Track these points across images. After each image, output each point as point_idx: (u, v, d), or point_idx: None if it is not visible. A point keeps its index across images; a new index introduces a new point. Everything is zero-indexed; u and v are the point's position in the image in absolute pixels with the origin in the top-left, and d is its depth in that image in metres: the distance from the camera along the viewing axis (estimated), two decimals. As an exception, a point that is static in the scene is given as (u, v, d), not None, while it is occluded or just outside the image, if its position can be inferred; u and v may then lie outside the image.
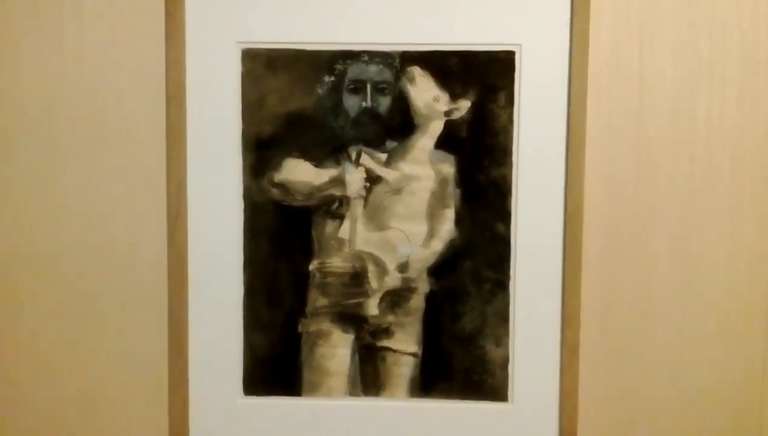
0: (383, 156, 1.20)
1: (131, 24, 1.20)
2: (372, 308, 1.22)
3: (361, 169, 1.20)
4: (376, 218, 1.21)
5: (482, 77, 1.18)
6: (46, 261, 1.24)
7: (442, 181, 1.20)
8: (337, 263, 1.21)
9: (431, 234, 1.20)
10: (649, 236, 1.21)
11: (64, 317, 1.24)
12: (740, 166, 1.20)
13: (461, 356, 1.21)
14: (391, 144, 1.20)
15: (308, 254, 1.21)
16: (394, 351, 1.22)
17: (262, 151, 1.20)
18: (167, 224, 1.20)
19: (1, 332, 1.25)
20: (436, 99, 1.18)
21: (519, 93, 1.18)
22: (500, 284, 1.20)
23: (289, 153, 1.20)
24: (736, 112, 1.19)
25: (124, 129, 1.22)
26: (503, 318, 1.21)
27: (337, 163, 1.20)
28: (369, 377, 1.22)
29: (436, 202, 1.20)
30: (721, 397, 1.23)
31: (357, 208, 1.20)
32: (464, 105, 1.18)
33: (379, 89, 1.19)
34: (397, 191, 1.20)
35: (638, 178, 1.20)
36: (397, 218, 1.20)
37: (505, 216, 1.20)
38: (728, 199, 1.20)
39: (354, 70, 1.18)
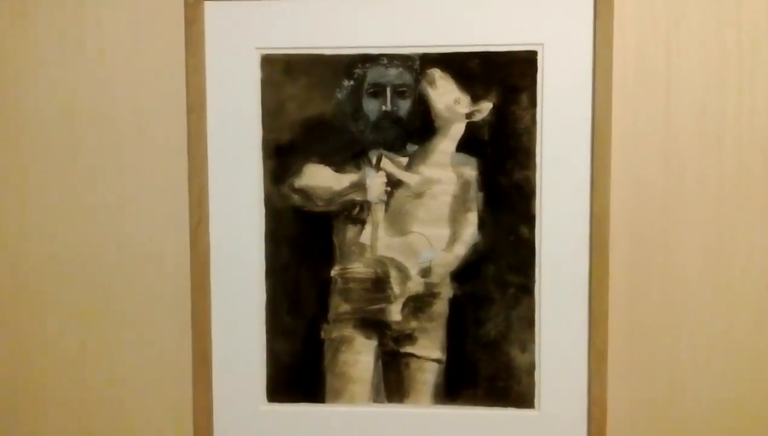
0: (404, 160, 1.18)
1: (151, 32, 1.21)
2: (395, 313, 1.20)
3: (382, 173, 1.19)
4: (398, 223, 1.19)
5: (504, 78, 1.16)
6: (69, 271, 1.25)
7: (465, 185, 1.18)
8: (359, 268, 1.20)
9: (454, 238, 1.19)
10: (678, 237, 1.18)
11: (87, 324, 1.25)
12: (773, 164, 1.16)
13: (486, 362, 1.19)
14: (411, 148, 1.18)
15: (330, 260, 1.20)
16: (418, 357, 1.20)
17: (282, 157, 1.19)
18: (189, 231, 1.20)
19: (26, 339, 1.26)
20: (457, 101, 1.17)
21: (542, 94, 1.16)
22: (525, 289, 1.18)
23: (309, 158, 1.19)
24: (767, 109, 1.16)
25: (146, 137, 1.22)
26: (529, 323, 1.18)
27: (358, 167, 1.19)
28: (392, 383, 1.21)
29: (459, 205, 1.18)
30: (756, 404, 1.19)
31: (378, 212, 1.19)
32: (486, 107, 1.17)
33: (399, 92, 1.17)
34: (419, 195, 1.19)
35: (666, 179, 1.17)
36: (418, 222, 1.19)
37: (529, 219, 1.17)
38: (760, 199, 1.17)
39: (373, 74, 1.17)
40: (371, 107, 1.18)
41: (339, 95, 1.18)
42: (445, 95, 1.17)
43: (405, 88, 1.17)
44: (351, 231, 1.20)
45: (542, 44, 1.15)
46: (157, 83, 1.21)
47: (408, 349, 1.21)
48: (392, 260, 1.20)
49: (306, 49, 1.18)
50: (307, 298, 1.21)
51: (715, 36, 1.15)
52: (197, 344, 1.21)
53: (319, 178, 1.19)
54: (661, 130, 1.17)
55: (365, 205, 1.19)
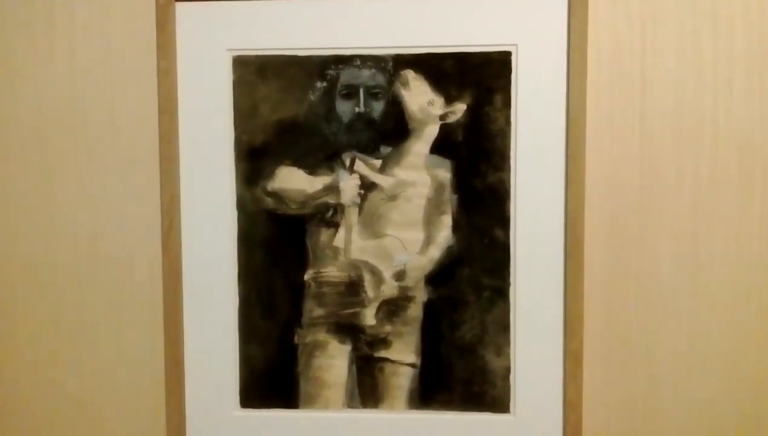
0: (378, 162, 1.17)
1: (122, 34, 1.20)
2: (369, 317, 1.19)
3: (356, 175, 1.17)
4: (372, 226, 1.18)
5: (478, 79, 1.15)
6: (41, 276, 1.23)
7: (439, 187, 1.17)
8: (333, 272, 1.19)
9: (428, 241, 1.17)
10: (654, 239, 1.17)
11: (59, 328, 1.24)
12: (748, 164, 1.15)
13: (461, 366, 1.18)
14: (385, 150, 1.17)
15: (303, 264, 1.19)
16: (392, 362, 1.19)
17: (254, 159, 1.18)
18: (161, 235, 1.19)
19: (-1, 345, 1.25)
20: (430, 103, 1.16)
21: (516, 95, 1.15)
22: (500, 292, 1.17)
23: (282, 161, 1.18)
24: (743, 108, 1.15)
25: (117, 139, 1.21)
26: (503, 327, 1.17)
27: (331, 170, 1.18)
28: (367, 388, 1.20)
29: (433, 208, 1.17)
30: (732, 406, 1.18)
31: (352, 215, 1.18)
32: (460, 108, 1.15)
33: (372, 94, 1.16)
34: (393, 198, 1.17)
35: (642, 180, 1.16)
36: (392, 225, 1.18)
37: (503, 221, 1.16)
38: (736, 198, 1.16)
39: (346, 75, 1.16)
40: (344, 109, 1.17)
41: (312, 97, 1.17)
42: (419, 97, 1.16)
43: (378, 90, 1.16)
44: (324, 234, 1.18)
45: (516, 45, 1.14)
46: (129, 85, 1.20)
47: (382, 353, 1.19)
48: (366, 263, 1.18)
49: (278, 50, 1.16)
50: (280, 302, 1.19)
51: (691, 35, 1.14)
52: (170, 349, 1.20)
53: (292, 180, 1.18)
54: (637, 130, 1.16)
55: (339, 208, 1.18)
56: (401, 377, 1.19)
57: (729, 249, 1.16)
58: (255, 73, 1.17)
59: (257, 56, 1.17)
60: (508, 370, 1.17)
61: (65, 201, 1.22)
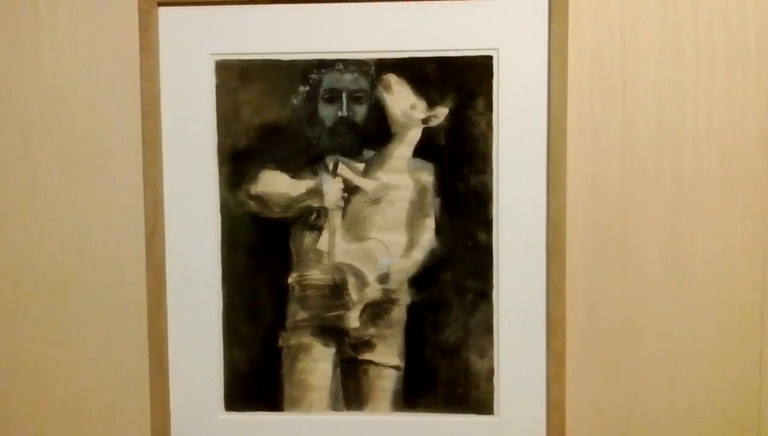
0: (361, 166, 1.18)
1: (105, 39, 1.20)
2: (353, 320, 1.19)
3: (339, 179, 1.18)
4: (355, 229, 1.18)
5: (460, 83, 1.16)
6: (23, 280, 1.23)
7: (422, 190, 1.17)
8: (317, 275, 1.19)
9: (411, 244, 1.18)
10: (636, 239, 1.18)
11: (42, 332, 1.24)
12: (730, 165, 1.16)
13: (445, 368, 1.19)
14: (368, 153, 1.18)
15: (287, 267, 1.19)
16: (377, 364, 1.20)
17: (238, 163, 1.18)
18: (145, 239, 1.19)
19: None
20: (413, 107, 1.16)
21: (498, 98, 1.15)
22: (483, 294, 1.18)
23: (265, 165, 1.18)
24: (725, 110, 1.16)
25: (101, 143, 1.21)
26: (487, 329, 1.18)
27: (314, 173, 1.18)
28: (351, 391, 1.20)
29: (416, 211, 1.18)
30: (716, 406, 1.19)
31: (335, 219, 1.18)
32: (442, 112, 1.16)
33: (354, 98, 1.17)
34: (376, 201, 1.18)
35: (624, 182, 1.17)
36: (376, 228, 1.18)
37: (486, 224, 1.17)
38: (718, 199, 1.17)
39: (329, 80, 1.16)
40: (327, 113, 1.17)
41: (295, 101, 1.17)
42: (401, 101, 1.16)
43: (361, 94, 1.16)
44: (308, 237, 1.19)
45: (497, 49, 1.15)
46: (112, 90, 1.20)
47: (366, 356, 1.20)
48: (350, 266, 1.19)
49: (261, 54, 1.17)
50: (264, 305, 1.20)
51: (671, 38, 1.16)
52: (154, 353, 1.20)
53: (276, 184, 1.18)
54: (618, 133, 1.17)
55: (322, 212, 1.18)
56: (385, 380, 1.20)
57: (711, 248, 1.18)
58: (238, 78, 1.17)
59: (240, 60, 1.17)
60: (491, 371, 1.18)
61: (49, 205, 1.22)
